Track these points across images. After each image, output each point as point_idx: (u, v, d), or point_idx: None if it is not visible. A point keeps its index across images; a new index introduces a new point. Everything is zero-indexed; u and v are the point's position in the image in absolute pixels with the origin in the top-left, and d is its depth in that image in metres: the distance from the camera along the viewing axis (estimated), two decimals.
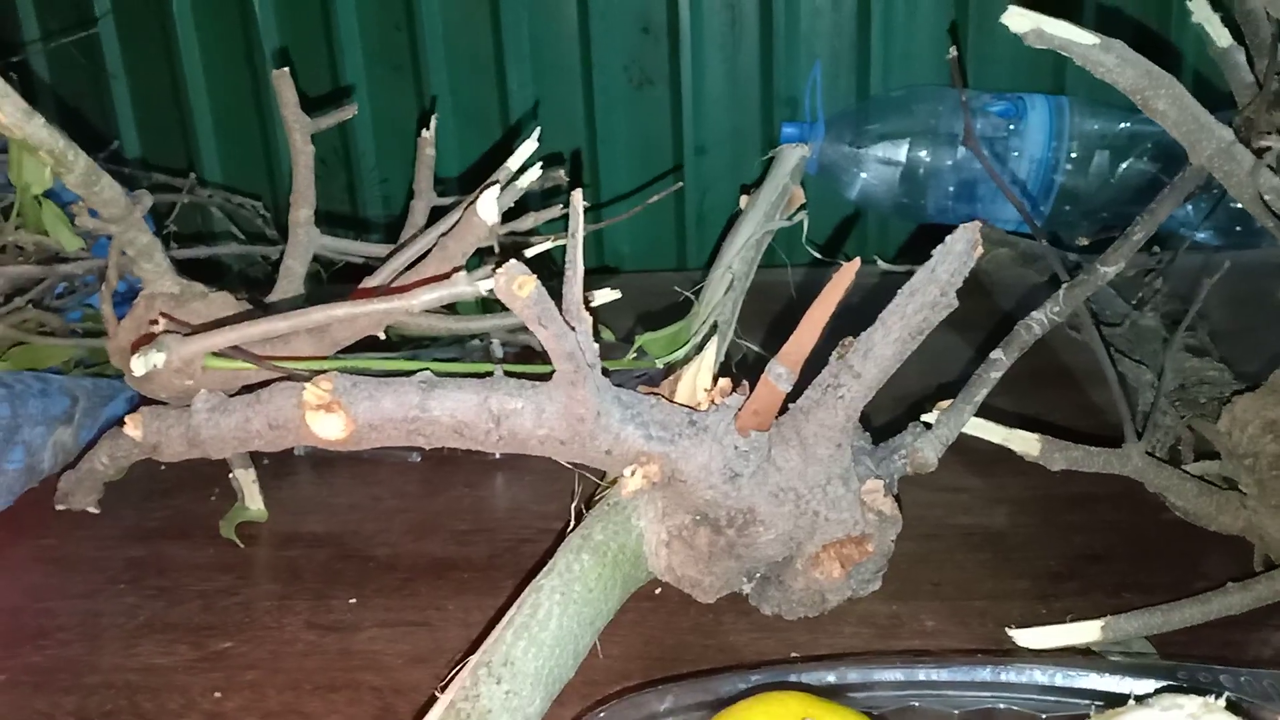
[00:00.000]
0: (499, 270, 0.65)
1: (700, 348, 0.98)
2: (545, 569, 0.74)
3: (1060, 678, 0.66)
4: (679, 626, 0.84)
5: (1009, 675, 0.67)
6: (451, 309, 1.15)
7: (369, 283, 1.04)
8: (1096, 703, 0.64)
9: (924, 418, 0.83)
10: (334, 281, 1.47)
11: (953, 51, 0.94)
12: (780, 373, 0.73)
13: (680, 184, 1.68)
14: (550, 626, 0.69)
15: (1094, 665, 0.67)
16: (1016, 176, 1.56)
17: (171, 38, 1.80)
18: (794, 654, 0.80)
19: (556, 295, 0.69)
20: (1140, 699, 0.59)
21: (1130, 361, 1.02)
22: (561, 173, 1.28)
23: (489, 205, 0.93)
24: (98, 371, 1.23)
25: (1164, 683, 0.64)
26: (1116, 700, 0.62)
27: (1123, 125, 1.55)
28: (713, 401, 0.77)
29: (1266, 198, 0.76)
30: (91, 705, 0.79)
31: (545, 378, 0.74)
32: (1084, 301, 0.86)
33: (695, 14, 1.70)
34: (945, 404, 0.82)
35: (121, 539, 1.02)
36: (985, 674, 0.67)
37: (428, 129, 1.13)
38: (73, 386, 1.10)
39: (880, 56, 1.70)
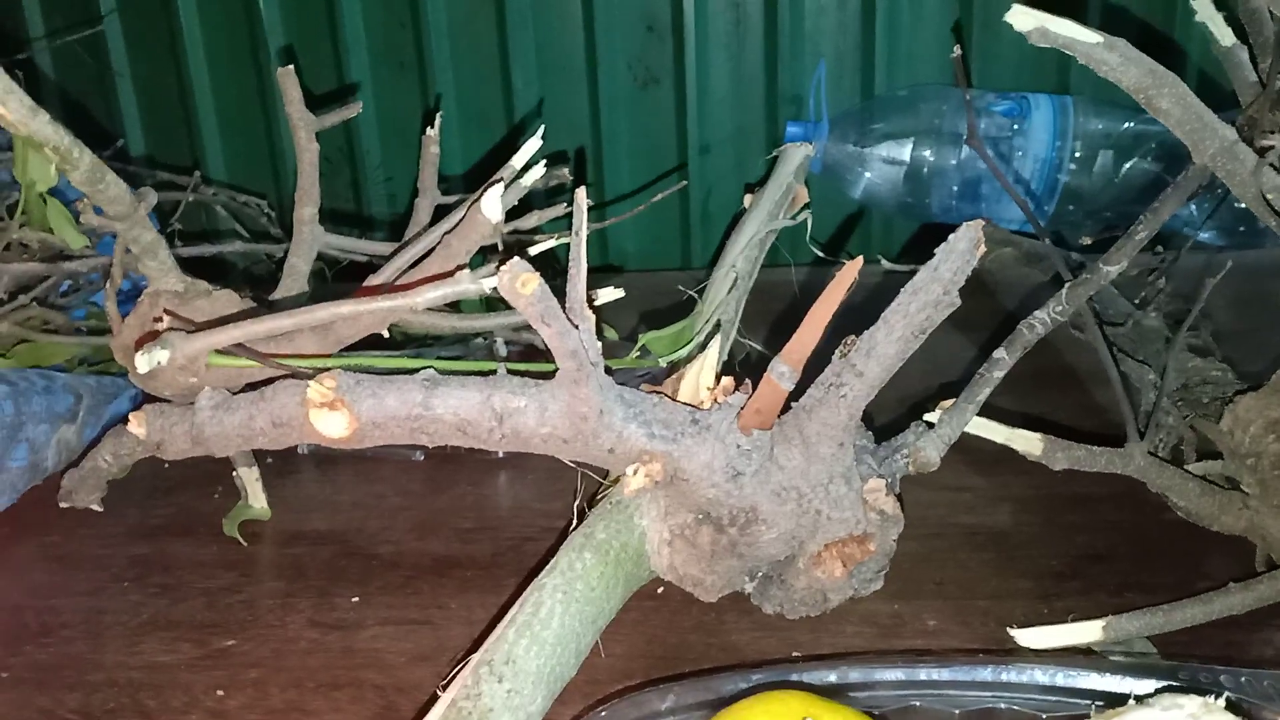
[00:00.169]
0: (502, 268, 0.65)
1: (703, 346, 0.98)
2: (548, 567, 0.74)
3: (1061, 677, 0.66)
4: (681, 625, 0.84)
5: (1010, 675, 0.67)
6: (455, 307, 1.15)
7: (373, 281, 1.04)
8: (1097, 703, 0.64)
9: (926, 417, 0.82)
10: (338, 280, 1.47)
11: (957, 50, 0.94)
12: (783, 371, 0.73)
13: (684, 183, 1.68)
14: (552, 625, 0.69)
15: (1095, 665, 0.67)
16: (1020, 176, 1.56)
17: (177, 36, 1.80)
18: (796, 653, 0.80)
19: (560, 293, 0.69)
20: (1141, 699, 0.59)
21: (1133, 361, 1.02)
22: (566, 171, 1.28)
23: (493, 203, 0.93)
24: (102, 369, 1.23)
25: (1165, 683, 0.64)
26: (1117, 700, 0.62)
27: (1127, 125, 1.55)
28: (715, 400, 0.77)
29: (1269, 197, 0.76)
30: (95, 703, 0.80)
31: (548, 376, 0.74)
32: (1087, 301, 0.86)
33: (700, 13, 1.70)
34: (948, 403, 0.82)
35: (125, 537, 1.02)
36: (986, 674, 0.67)
37: (432, 127, 1.13)
38: (77, 384, 1.10)
39: (884, 56, 1.70)
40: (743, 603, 0.85)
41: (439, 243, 1.00)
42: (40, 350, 1.19)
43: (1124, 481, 0.86)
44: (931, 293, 0.69)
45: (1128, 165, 1.55)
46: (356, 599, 0.90)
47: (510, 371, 0.77)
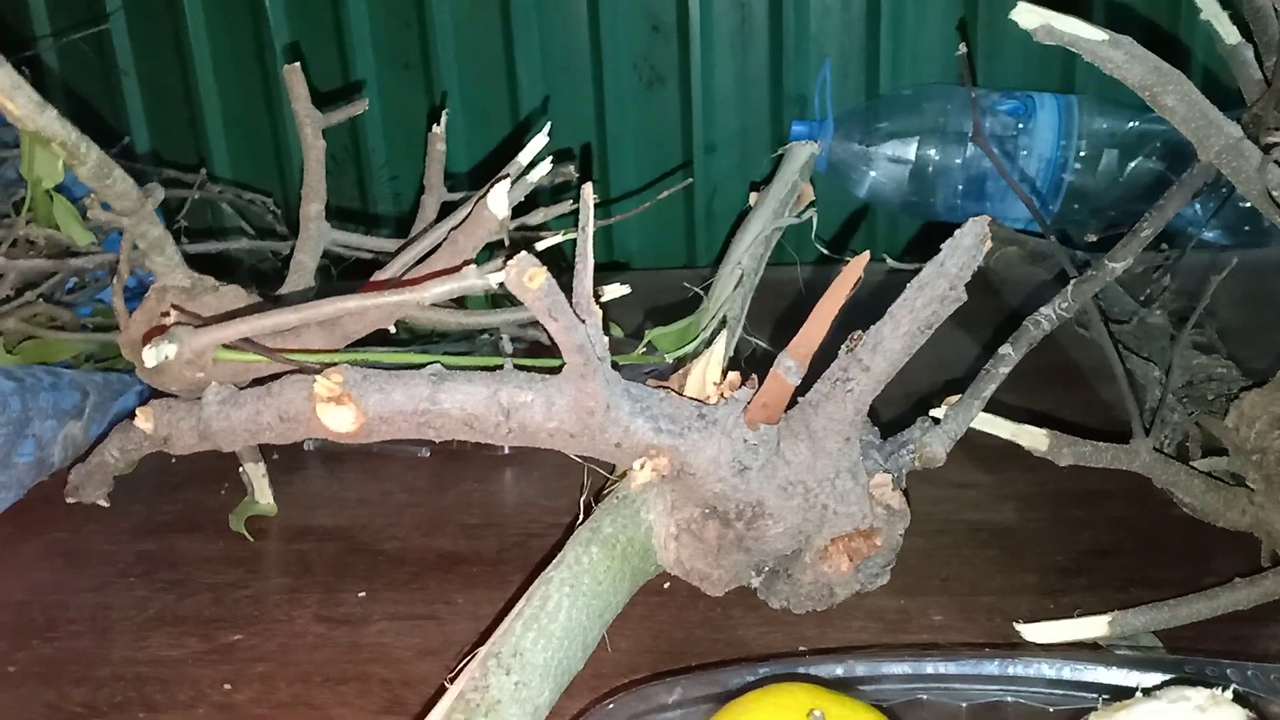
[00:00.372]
0: (510, 262, 0.65)
1: (709, 342, 0.99)
2: (554, 561, 0.75)
3: (1068, 671, 0.67)
4: (687, 620, 0.84)
5: (1016, 669, 0.67)
6: (461, 304, 1.15)
7: (379, 276, 1.04)
8: (1104, 696, 0.64)
9: (932, 413, 0.83)
10: (343, 278, 1.47)
11: (962, 48, 0.94)
12: (789, 366, 0.73)
13: (690, 180, 1.68)
14: (559, 618, 0.69)
15: (1101, 659, 0.67)
16: (1025, 175, 1.57)
17: (182, 35, 1.80)
18: (802, 648, 0.80)
19: (566, 291, 0.69)
20: (1148, 692, 0.59)
21: (1138, 358, 1.02)
22: (571, 168, 1.28)
23: (499, 199, 0.93)
24: (108, 366, 1.23)
25: (1171, 676, 0.64)
26: (1124, 694, 0.62)
27: (1131, 124, 1.55)
28: (722, 395, 0.77)
29: (1275, 194, 0.76)
30: (101, 697, 0.80)
31: (555, 371, 0.74)
32: (1092, 298, 0.86)
33: (705, 12, 1.70)
34: (954, 399, 0.82)
35: (132, 533, 1.02)
36: (993, 667, 0.67)
37: (439, 124, 1.13)
38: (83, 381, 1.10)
39: (889, 55, 1.71)
40: (749, 598, 0.85)
41: (445, 239, 1.00)
42: (47, 347, 1.19)
43: (1129, 478, 0.86)
44: (938, 288, 0.69)
45: (1132, 164, 1.55)
46: (363, 594, 0.90)
47: (517, 367, 0.77)
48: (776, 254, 1.22)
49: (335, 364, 0.77)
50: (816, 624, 0.83)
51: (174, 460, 0.97)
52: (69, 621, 0.89)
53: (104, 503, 1.05)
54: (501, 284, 0.82)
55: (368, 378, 0.77)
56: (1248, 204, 1.04)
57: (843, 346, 0.74)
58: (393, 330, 1.02)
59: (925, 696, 0.67)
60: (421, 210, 1.16)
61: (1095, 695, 0.65)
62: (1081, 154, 1.55)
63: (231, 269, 1.67)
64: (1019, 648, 0.73)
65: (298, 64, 1.07)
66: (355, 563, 0.95)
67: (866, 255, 0.73)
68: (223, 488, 1.08)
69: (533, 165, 1.00)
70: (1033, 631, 0.74)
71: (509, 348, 1.22)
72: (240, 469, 1.04)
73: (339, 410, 0.76)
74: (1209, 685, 0.58)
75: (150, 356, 0.82)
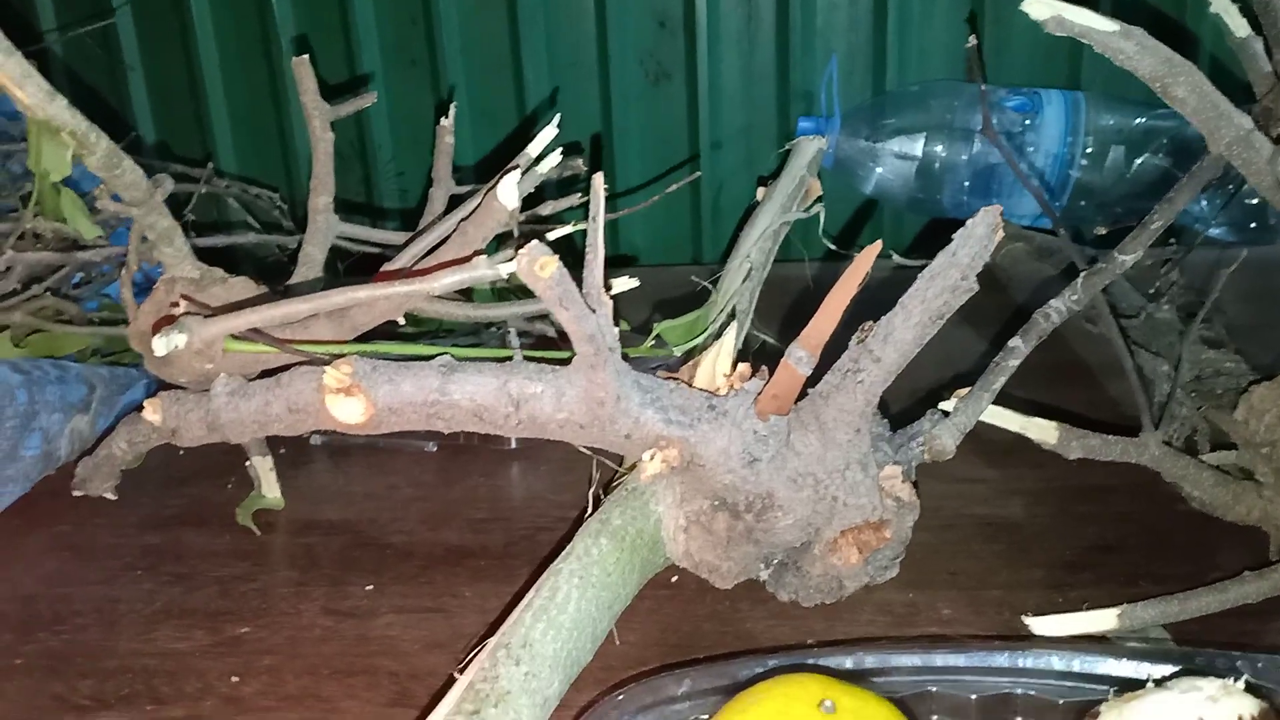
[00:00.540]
0: (521, 251, 0.65)
1: (719, 334, 0.98)
2: (564, 553, 0.75)
3: (1078, 663, 0.66)
4: (695, 614, 0.84)
5: (1026, 660, 0.67)
6: (468, 297, 1.15)
7: (389, 268, 1.04)
8: (1113, 688, 0.64)
9: (942, 405, 0.82)
10: (350, 274, 1.47)
11: (972, 40, 0.94)
12: (800, 356, 0.73)
13: (698, 174, 1.67)
14: (569, 609, 0.69)
15: (1111, 651, 0.67)
16: (1032, 171, 1.56)
17: (189, 30, 1.80)
18: (810, 640, 0.80)
19: (577, 282, 0.69)
20: (1159, 682, 0.59)
21: (1146, 353, 1.02)
22: (580, 162, 1.28)
23: (509, 190, 0.93)
24: (115, 360, 1.23)
25: (1181, 668, 0.64)
26: (1133, 685, 0.62)
27: (1138, 120, 1.55)
28: (732, 386, 0.77)
29: None
30: (109, 689, 0.80)
31: (565, 363, 0.74)
32: (1101, 293, 0.86)
33: (712, 8, 1.70)
34: (963, 392, 0.82)
35: (139, 526, 1.02)
36: (1002, 659, 0.67)
37: (447, 117, 1.13)
38: (90, 374, 1.10)
39: (896, 51, 1.70)
40: (757, 591, 0.85)
41: (455, 230, 1.00)
42: (54, 340, 1.19)
43: (1136, 473, 0.86)
44: (949, 278, 0.69)
45: (1139, 161, 1.55)
46: (370, 588, 0.90)
47: (527, 358, 0.77)
48: (784, 250, 1.21)
49: (344, 355, 0.77)
50: (825, 617, 0.82)
51: (181, 454, 0.96)
52: (76, 614, 0.89)
53: (111, 496, 1.05)
54: (508, 278, 0.83)
55: (377, 369, 0.77)
56: (1254, 201, 1.03)
57: (854, 337, 0.73)
58: (402, 321, 1.02)
59: (935, 688, 0.67)
60: (430, 203, 1.16)
61: (1105, 688, 0.64)
62: (1088, 150, 1.55)
63: (237, 264, 1.66)
64: (1028, 641, 0.73)
65: (306, 57, 1.07)
66: (362, 556, 0.95)
67: (878, 245, 0.73)
68: (229, 482, 1.08)
69: (542, 156, 1.00)
70: (1041, 625, 0.74)
71: (516, 341, 1.22)
72: (247, 463, 1.04)
73: (348, 401, 0.76)
74: (1220, 676, 0.58)
75: (160, 346, 0.82)
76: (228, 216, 1.74)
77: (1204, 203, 1.51)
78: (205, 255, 1.04)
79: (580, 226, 0.87)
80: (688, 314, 1.07)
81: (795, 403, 0.76)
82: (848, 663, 0.68)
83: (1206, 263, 1.09)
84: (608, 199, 0.71)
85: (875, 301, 0.74)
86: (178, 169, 1.62)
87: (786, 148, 1.33)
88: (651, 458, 0.72)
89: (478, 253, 0.96)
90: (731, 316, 1.05)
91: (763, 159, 1.75)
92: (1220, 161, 0.79)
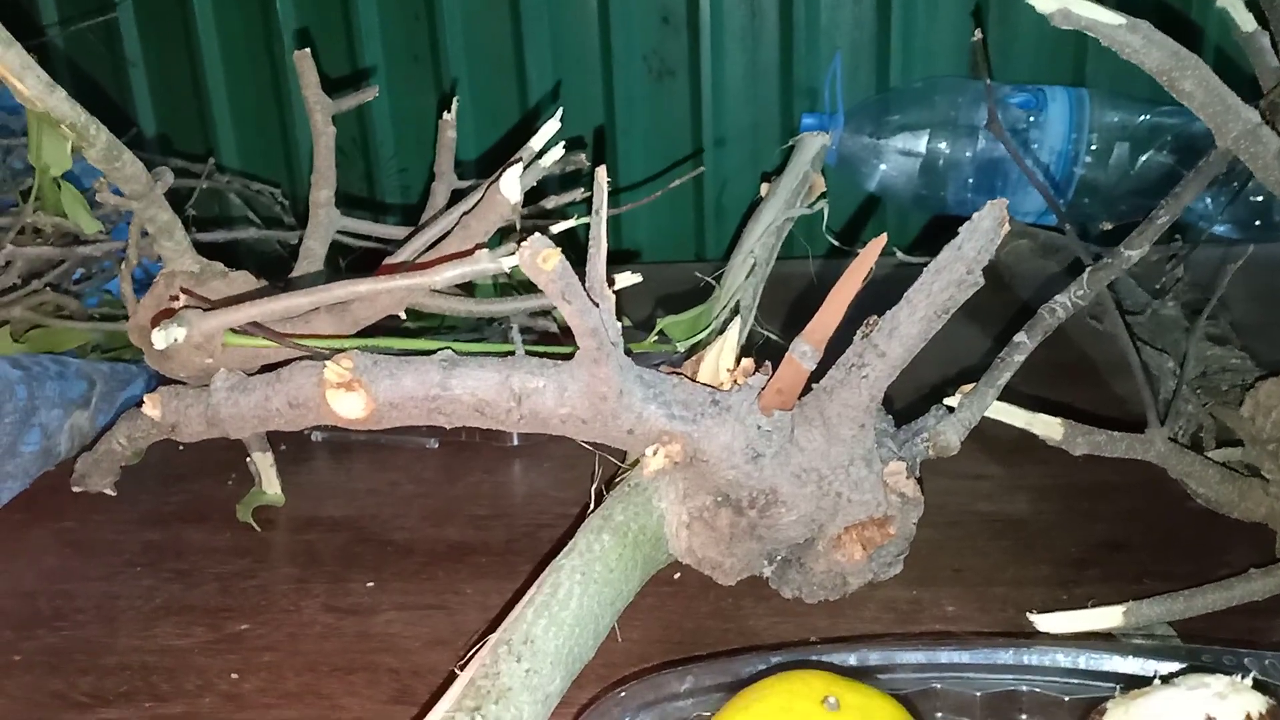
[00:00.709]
0: (524, 243, 0.65)
1: (722, 330, 0.98)
2: (566, 549, 0.74)
3: (1083, 660, 0.66)
4: (698, 611, 0.84)
5: (1031, 658, 0.67)
6: (471, 292, 1.15)
7: (390, 261, 1.04)
8: (1120, 685, 0.64)
9: (946, 401, 0.82)
10: (351, 270, 1.47)
11: (977, 34, 0.93)
12: (805, 350, 0.72)
13: (701, 169, 1.67)
14: (571, 606, 0.69)
15: (1117, 648, 0.67)
16: (1036, 167, 1.56)
17: (191, 26, 1.80)
18: (813, 637, 0.80)
19: (580, 276, 0.69)
20: (1166, 679, 0.59)
21: (1152, 350, 1.01)
22: (582, 157, 1.28)
23: (512, 183, 0.92)
24: (115, 356, 1.23)
25: (1188, 665, 0.64)
26: (1140, 683, 0.61)
27: (1143, 117, 1.54)
28: (735, 381, 0.77)
29: None
30: (108, 686, 0.80)
31: (567, 358, 0.74)
32: (1106, 289, 0.86)
33: (715, 5, 1.70)
34: (968, 387, 0.82)
35: (139, 522, 1.02)
36: (1007, 656, 0.67)
37: (449, 111, 1.13)
38: (90, 370, 1.10)
39: (900, 48, 1.70)
40: (761, 588, 0.84)
41: (457, 224, 1.00)
42: (54, 336, 1.19)
43: (1142, 470, 0.86)
44: (955, 271, 0.69)
45: (1143, 158, 1.55)
46: (371, 584, 0.90)
47: (529, 353, 0.77)
48: (788, 247, 1.21)
49: (345, 350, 0.77)
50: (828, 614, 0.82)
51: (181, 447, 0.96)
52: (76, 611, 0.89)
53: (110, 492, 1.04)
54: (510, 272, 0.82)
55: (378, 363, 0.76)
56: (1260, 198, 1.03)
57: (858, 332, 0.73)
58: (403, 317, 1.01)
59: (939, 685, 0.67)
60: (432, 198, 1.15)
61: (1111, 685, 0.64)
62: (1092, 147, 1.55)
63: (238, 260, 1.66)
64: (1033, 638, 0.73)
65: (308, 50, 1.06)
66: (363, 553, 0.95)
67: (883, 239, 0.73)
68: (230, 478, 1.07)
69: (545, 150, 0.99)
70: (1046, 622, 0.74)
71: (519, 337, 1.22)
72: (248, 459, 1.04)
73: (349, 396, 0.76)
74: (1227, 673, 0.58)
75: (159, 339, 0.82)
76: (229, 212, 1.74)
77: (1209, 200, 1.51)
78: (206, 250, 1.04)
79: (583, 221, 0.86)
80: (691, 310, 1.06)
81: (799, 398, 0.75)
82: (851, 659, 0.67)
83: (1212, 260, 1.08)
84: (611, 195, 0.71)
85: (879, 297, 0.74)
86: (179, 164, 1.62)
87: (790, 144, 1.32)
88: (654, 453, 0.72)
89: (479, 246, 0.95)
90: (735, 312, 1.04)
91: (766, 156, 1.75)
92: (1227, 156, 0.78)
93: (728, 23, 1.71)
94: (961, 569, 0.87)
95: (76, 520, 1.02)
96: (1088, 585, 0.84)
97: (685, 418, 0.73)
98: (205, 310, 0.87)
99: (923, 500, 0.80)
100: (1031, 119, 1.56)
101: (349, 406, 0.76)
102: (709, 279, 1.13)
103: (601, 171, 0.71)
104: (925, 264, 0.70)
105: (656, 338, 1.04)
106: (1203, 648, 0.66)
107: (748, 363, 0.79)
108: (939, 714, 0.67)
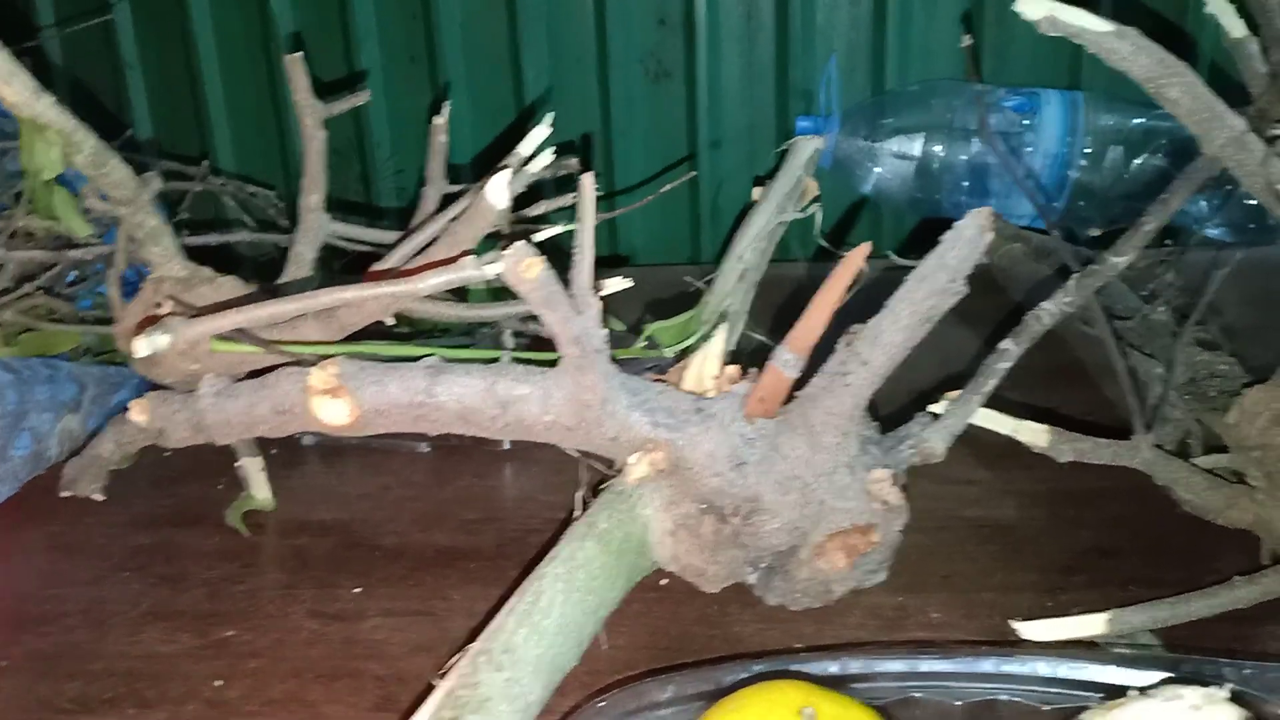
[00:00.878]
0: (506, 252, 0.65)
1: (709, 336, 0.98)
2: (548, 556, 0.74)
3: (1064, 669, 0.66)
4: (683, 618, 0.84)
5: (1012, 666, 0.67)
6: (462, 297, 1.15)
7: (378, 268, 1.03)
8: (1100, 694, 0.64)
9: (932, 408, 0.82)
10: (344, 273, 1.47)
11: (967, 39, 0.93)
12: (788, 359, 0.72)
13: (694, 173, 1.67)
14: (553, 614, 0.69)
15: (1097, 657, 0.67)
16: (1031, 171, 1.56)
17: (187, 27, 1.80)
18: (797, 645, 0.80)
19: (568, 283, 0.69)
20: (1142, 690, 0.59)
21: (1140, 355, 1.01)
22: (574, 161, 1.28)
23: (499, 189, 0.92)
24: (106, 359, 1.23)
25: (1167, 675, 0.64)
26: (1119, 692, 0.62)
27: (1137, 121, 1.55)
28: (720, 389, 0.77)
29: (1278, 188, 0.75)
30: (94, 692, 0.80)
31: (553, 364, 0.74)
32: (1095, 294, 0.86)
33: (711, 7, 1.70)
34: (954, 394, 0.82)
35: (128, 527, 1.02)
36: (988, 665, 0.67)
37: (440, 115, 1.13)
38: (81, 374, 1.10)
39: (896, 51, 1.70)
40: (745, 595, 0.84)
41: (445, 230, 1.00)
42: (45, 339, 1.19)
43: (1130, 477, 0.86)
44: (938, 280, 0.69)
45: (1138, 161, 1.55)
46: (359, 590, 0.90)
47: (515, 360, 0.77)
48: (781, 250, 1.21)
49: (331, 356, 0.77)
50: (814, 621, 0.82)
51: (167, 453, 0.96)
52: (63, 615, 0.89)
53: (99, 496, 1.04)
54: (498, 278, 0.82)
55: (363, 370, 0.76)
56: (1252, 202, 1.02)
57: (841, 340, 0.73)
58: (392, 323, 1.01)
59: (919, 694, 0.66)
60: (422, 203, 1.15)
61: (1091, 694, 0.64)
62: (1087, 150, 1.55)
63: (234, 262, 1.66)
64: (1016, 645, 0.73)
65: (299, 54, 1.06)
66: (351, 558, 0.95)
67: (866, 247, 0.73)
68: (219, 483, 1.07)
69: (534, 156, 0.99)
70: (1030, 630, 0.74)
71: (510, 342, 1.22)
72: (237, 464, 1.03)
73: (334, 403, 0.76)
74: (1205, 684, 0.58)
75: (143, 346, 0.82)
76: (224, 215, 1.74)
77: (1201, 203, 1.50)
78: (201, 254, 1.04)
79: (570, 228, 0.86)
80: (680, 315, 1.06)
81: (784, 405, 0.75)
82: (833, 668, 0.67)
83: (1203, 264, 1.08)
84: (605, 197, 0.71)
85: (869, 302, 0.74)
86: (174, 167, 1.62)
87: (784, 147, 1.32)
88: (638, 460, 0.72)
89: (466, 253, 0.95)
90: (722, 318, 1.04)
91: (762, 158, 1.74)
92: (1214, 163, 0.78)
93: (724, 25, 1.72)
94: (948, 575, 0.87)
95: (66, 524, 1.02)
96: (1074, 591, 0.84)
97: (669, 425, 0.73)
98: (191, 317, 0.87)
99: (906, 508, 0.80)
100: (1026, 122, 1.56)
101: (334, 413, 0.76)
102: (699, 284, 1.13)
103: (587, 178, 0.71)
104: (915, 267, 0.70)
105: (645, 343, 1.04)
106: (1183, 657, 0.66)
107: (732, 370, 0.79)
108: None
